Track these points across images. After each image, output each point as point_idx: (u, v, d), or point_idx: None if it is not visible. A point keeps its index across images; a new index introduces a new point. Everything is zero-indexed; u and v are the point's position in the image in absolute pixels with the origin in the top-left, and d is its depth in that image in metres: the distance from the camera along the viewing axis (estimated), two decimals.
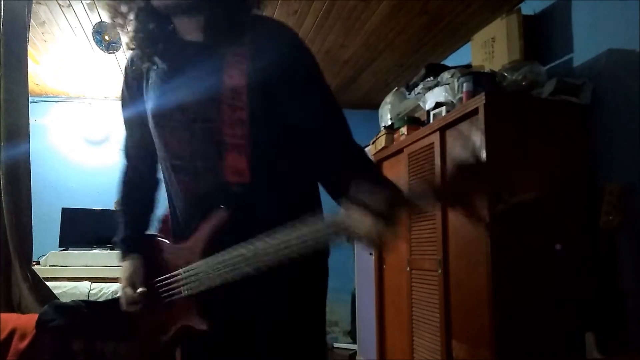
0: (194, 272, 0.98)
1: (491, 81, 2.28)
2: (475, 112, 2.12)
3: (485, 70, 2.51)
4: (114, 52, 3.36)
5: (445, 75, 2.63)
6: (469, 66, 2.74)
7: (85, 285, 3.08)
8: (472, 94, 2.23)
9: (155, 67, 1.02)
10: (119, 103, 1.16)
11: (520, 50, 2.42)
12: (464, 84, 2.31)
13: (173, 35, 1.01)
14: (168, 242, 1.10)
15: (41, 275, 2.42)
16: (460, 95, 2.39)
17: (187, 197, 1.00)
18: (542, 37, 2.53)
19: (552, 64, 2.45)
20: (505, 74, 2.25)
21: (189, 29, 0.99)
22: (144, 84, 1.05)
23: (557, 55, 2.43)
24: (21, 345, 1.88)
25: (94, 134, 4.55)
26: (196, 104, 0.95)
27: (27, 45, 2.42)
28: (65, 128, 4.51)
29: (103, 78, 4.07)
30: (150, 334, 1.11)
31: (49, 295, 2.37)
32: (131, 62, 1.09)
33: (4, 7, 2.27)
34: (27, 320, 1.96)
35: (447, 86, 2.54)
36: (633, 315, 1.93)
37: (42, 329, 1.91)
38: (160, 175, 1.13)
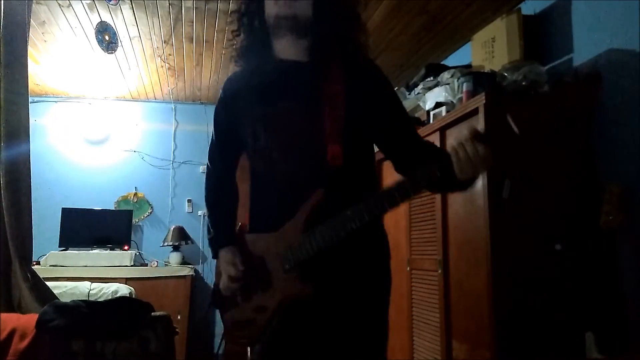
0: (296, 247, 1.16)
1: (491, 81, 2.28)
2: (475, 112, 2.12)
3: (485, 70, 2.51)
4: (113, 52, 3.36)
5: (445, 75, 2.63)
6: (469, 66, 2.74)
7: (85, 285, 3.08)
8: (472, 94, 2.23)
9: (258, 81, 1.24)
10: (214, 114, 1.36)
11: (520, 50, 2.42)
12: (464, 84, 2.31)
13: (271, 54, 1.26)
14: (258, 233, 1.26)
15: (41, 275, 2.42)
16: (460, 95, 2.38)
17: (287, 185, 1.19)
18: (542, 37, 2.52)
19: (552, 64, 2.45)
20: (505, 74, 2.25)
21: (290, 49, 1.24)
22: (245, 98, 1.26)
23: (557, 55, 2.43)
24: (21, 345, 1.88)
25: (94, 134, 4.55)
26: (303, 108, 1.21)
27: (27, 45, 2.42)
28: (65, 128, 4.52)
29: (103, 78, 4.07)
30: (249, 317, 1.23)
31: (49, 295, 2.37)
32: (232, 80, 1.33)
33: (4, 7, 2.27)
34: (27, 320, 1.96)
35: (447, 86, 2.54)
36: (633, 315, 1.93)
37: (42, 329, 1.91)
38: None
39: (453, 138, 2.33)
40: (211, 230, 1.35)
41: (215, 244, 1.32)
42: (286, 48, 1.24)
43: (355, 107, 1.21)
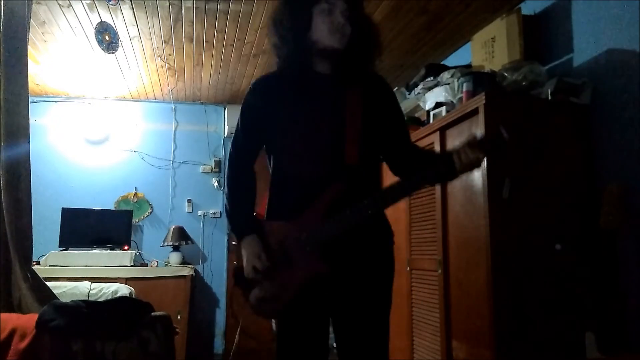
0: (317, 231, 1.34)
1: (491, 81, 2.28)
2: (475, 112, 2.12)
3: (485, 70, 2.51)
4: (113, 52, 3.36)
5: (445, 75, 2.63)
6: (469, 66, 2.74)
7: (85, 285, 3.08)
8: (472, 94, 2.23)
9: (292, 85, 1.43)
10: (240, 111, 1.52)
11: (520, 50, 2.42)
12: (464, 84, 2.31)
13: (307, 65, 1.44)
14: (278, 222, 1.41)
15: (41, 275, 2.42)
16: (460, 95, 2.39)
17: (309, 178, 1.37)
18: (542, 37, 2.53)
19: (552, 64, 2.45)
20: (505, 74, 2.25)
21: (323, 65, 1.44)
22: (278, 97, 1.44)
23: (557, 55, 2.43)
24: (21, 345, 1.88)
25: (94, 134, 4.55)
26: (328, 113, 1.41)
27: (27, 45, 2.42)
28: (65, 128, 4.51)
29: (103, 78, 4.07)
30: (274, 293, 1.38)
31: (49, 295, 2.37)
32: (265, 79, 1.51)
33: (4, 7, 2.27)
34: (27, 320, 1.96)
35: (447, 86, 2.54)
36: (633, 315, 1.93)
37: (42, 329, 1.91)
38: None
39: (454, 139, 2.34)
40: (231, 214, 1.46)
41: (239, 230, 1.44)
42: (319, 63, 1.44)
43: (370, 116, 1.42)
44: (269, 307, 1.40)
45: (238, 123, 1.53)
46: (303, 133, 1.41)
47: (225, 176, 1.52)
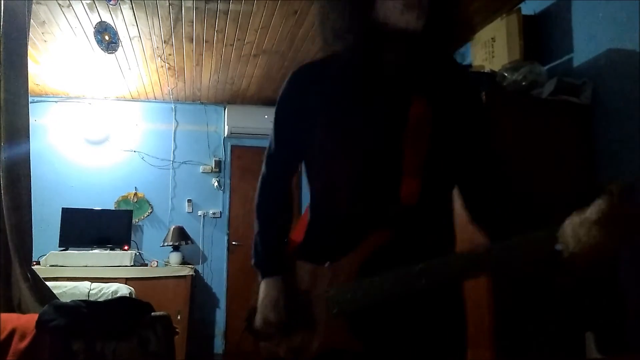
0: (346, 291, 0.98)
1: (491, 81, 2.28)
2: None
3: (485, 70, 2.51)
4: (113, 52, 3.36)
5: None
6: (469, 66, 2.74)
7: (85, 285, 3.08)
8: None
9: (345, 83, 1.03)
10: (276, 112, 1.13)
11: (520, 50, 2.42)
12: None
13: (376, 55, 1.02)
14: (311, 263, 1.07)
15: (41, 275, 2.42)
16: None
17: (350, 215, 1.01)
18: (542, 37, 2.52)
19: (552, 64, 2.45)
20: (505, 74, 2.25)
21: (390, 53, 1.02)
22: (324, 101, 1.04)
23: (557, 55, 2.43)
24: (21, 345, 1.88)
25: (94, 134, 4.55)
26: (383, 128, 1.00)
27: (27, 45, 2.42)
28: (65, 128, 4.52)
29: (103, 78, 4.07)
30: (286, 355, 1.08)
31: (49, 295, 2.37)
32: (311, 70, 1.10)
33: (4, 7, 2.27)
34: (27, 320, 1.96)
35: None
36: (633, 315, 1.93)
37: (42, 329, 1.91)
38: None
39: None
40: (259, 246, 1.13)
41: (264, 266, 1.12)
42: (386, 52, 1.02)
43: (444, 132, 1.01)
44: None
45: (273, 131, 1.15)
46: (349, 152, 1.01)
47: (257, 197, 1.17)
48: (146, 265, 4.11)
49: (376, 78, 1.02)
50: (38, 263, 3.65)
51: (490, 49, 2.59)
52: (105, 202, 4.41)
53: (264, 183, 1.16)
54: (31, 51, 3.44)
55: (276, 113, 1.13)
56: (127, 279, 3.71)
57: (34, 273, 2.34)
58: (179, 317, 3.82)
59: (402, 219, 0.98)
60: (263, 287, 1.09)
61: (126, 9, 2.91)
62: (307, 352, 1.03)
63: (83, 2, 2.83)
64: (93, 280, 3.25)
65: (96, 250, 3.92)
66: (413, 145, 0.99)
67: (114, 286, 3.15)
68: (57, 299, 2.35)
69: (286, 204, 1.17)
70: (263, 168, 1.17)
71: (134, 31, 3.19)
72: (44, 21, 3.08)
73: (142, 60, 3.70)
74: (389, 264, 0.94)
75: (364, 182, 1.01)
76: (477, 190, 1.09)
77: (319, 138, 1.04)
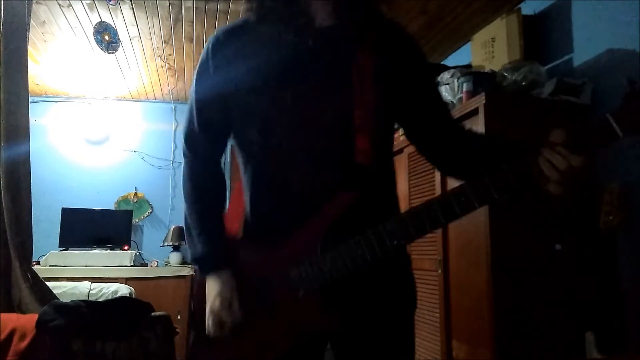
0: (316, 266, 0.90)
1: (491, 81, 2.28)
2: (475, 112, 2.12)
3: (485, 70, 2.51)
4: (113, 52, 3.36)
5: (445, 75, 2.62)
6: (469, 66, 2.74)
7: (85, 285, 3.08)
8: (472, 94, 2.23)
9: (271, 48, 0.94)
10: (195, 81, 1.02)
11: (520, 50, 2.42)
12: (464, 84, 2.31)
13: (302, 18, 0.95)
14: (261, 244, 0.97)
15: (41, 275, 2.42)
16: (460, 95, 2.38)
17: (301, 186, 0.92)
18: (542, 37, 2.52)
19: (552, 64, 2.45)
20: (505, 74, 2.25)
21: (317, 11, 0.95)
22: (251, 68, 0.95)
23: (557, 55, 2.43)
24: (21, 345, 1.88)
25: (94, 134, 4.55)
26: (326, 87, 0.93)
27: (27, 45, 2.42)
28: (65, 128, 4.52)
29: (103, 78, 4.07)
30: (252, 356, 0.96)
31: (49, 295, 2.37)
32: (231, 33, 0.99)
33: (4, 7, 2.27)
34: (27, 320, 1.96)
35: (447, 86, 2.54)
36: (633, 315, 1.93)
37: (42, 329, 1.91)
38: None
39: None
40: (195, 239, 0.99)
41: (207, 261, 0.99)
42: (311, 8, 0.95)
43: (388, 87, 0.96)
44: None
45: (191, 109, 1.02)
46: (291, 123, 0.93)
47: (187, 185, 1.04)
48: (146, 265, 4.11)
49: (311, 34, 0.94)
50: (38, 263, 3.65)
51: (490, 49, 2.59)
52: (105, 202, 4.41)
53: (192, 167, 1.04)
54: (31, 51, 3.44)
55: (196, 84, 1.01)
56: (127, 279, 3.70)
57: (34, 273, 2.34)
58: (179, 317, 3.82)
59: (361, 179, 0.92)
60: (211, 284, 0.97)
61: (126, 9, 2.91)
62: (277, 348, 0.93)
63: (83, 2, 2.83)
64: (93, 280, 3.25)
65: (96, 250, 3.92)
66: (361, 101, 0.92)
67: (114, 286, 3.15)
68: (57, 299, 2.35)
69: (223, 188, 1.06)
70: (186, 150, 1.05)
71: (134, 31, 3.19)
72: (44, 21, 3.08)
73: (142, 60, 3.70)
74: (355, 228, 0.88)
75: (317, 144, 0.92)
76: (437, 142, 1.05)
77: (254, 105, 0.94)
